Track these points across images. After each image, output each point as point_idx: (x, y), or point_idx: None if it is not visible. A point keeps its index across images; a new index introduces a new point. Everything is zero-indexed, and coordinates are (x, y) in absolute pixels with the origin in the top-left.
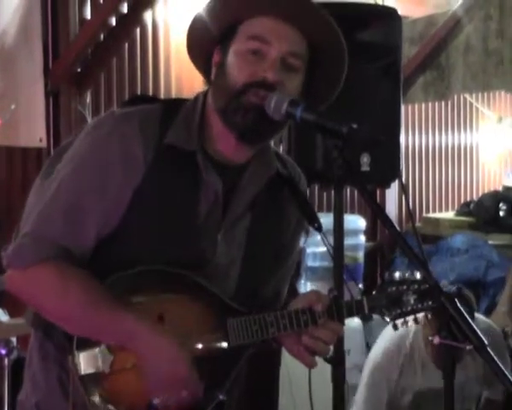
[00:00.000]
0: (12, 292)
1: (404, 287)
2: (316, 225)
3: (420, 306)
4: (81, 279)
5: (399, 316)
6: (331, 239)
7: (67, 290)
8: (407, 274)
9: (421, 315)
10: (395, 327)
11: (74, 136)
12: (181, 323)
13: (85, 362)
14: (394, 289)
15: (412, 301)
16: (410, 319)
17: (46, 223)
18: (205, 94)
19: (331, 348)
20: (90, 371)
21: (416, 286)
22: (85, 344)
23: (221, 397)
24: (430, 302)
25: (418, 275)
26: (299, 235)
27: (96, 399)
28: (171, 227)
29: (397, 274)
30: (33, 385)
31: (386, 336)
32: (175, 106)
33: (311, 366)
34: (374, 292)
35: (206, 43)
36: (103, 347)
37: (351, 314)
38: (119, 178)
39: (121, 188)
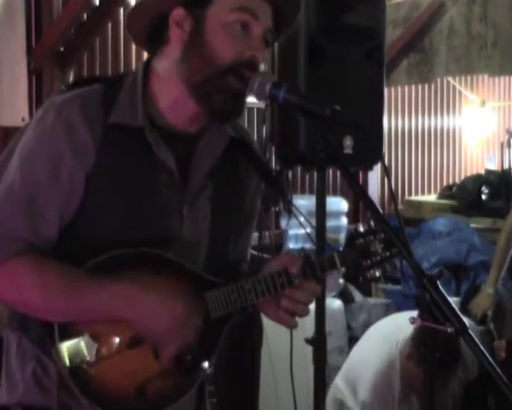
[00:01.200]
0: None
1: (371, 237)
2: (275, 188)
3: (388, 254)
4: (55, 267)
5: (370, 267)
6: (314, 222)
7: (46, 280)
8: (372, 224)
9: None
10: (369, 280)
11: (19, 134)
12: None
13: (70, 353)
14: (362, 241)
15: (380, 251)
16: (378, 271)
17: (7, 220)
18: (146, 65)
19: (309, 309)
20: (76, 361)
21: (382, 235)
22: (68, 335)
23: (208, 371)
24: (396, 249)
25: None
26: (259, 197)
27: (85, 389)
28: (131, 207)
29: (361, 226)
30: (10, 386)
31: (371, 369)
32: (116, 83)
33: (292, 326)
34: (342, 247)
35: (163, 2)
36: (86, 335)
37: (324, 271)
38: (71, 164)
39: (74, 174)
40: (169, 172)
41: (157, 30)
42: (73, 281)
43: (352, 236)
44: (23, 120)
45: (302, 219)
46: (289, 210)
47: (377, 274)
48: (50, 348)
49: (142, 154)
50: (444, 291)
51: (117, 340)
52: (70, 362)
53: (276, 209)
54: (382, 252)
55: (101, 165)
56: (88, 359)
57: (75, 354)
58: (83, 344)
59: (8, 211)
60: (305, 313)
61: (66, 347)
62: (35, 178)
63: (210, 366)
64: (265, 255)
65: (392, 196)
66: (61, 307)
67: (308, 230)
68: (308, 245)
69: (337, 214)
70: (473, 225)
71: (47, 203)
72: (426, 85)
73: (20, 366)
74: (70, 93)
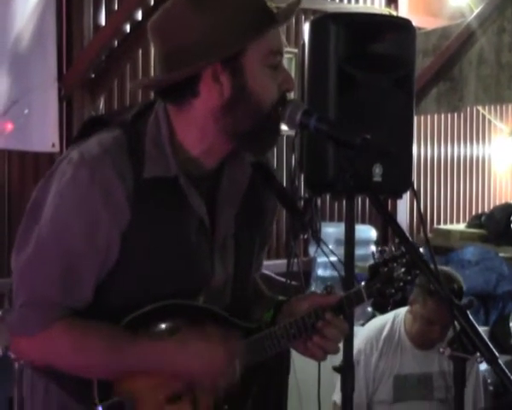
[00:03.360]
0: (24, 360)
1: (394, 264)
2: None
3: (409, 277)
4: (94, 328)
5: (395, 294)
6: (342, 250)
7: (85, 344)
8: (393, 249)
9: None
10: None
11: (43, 187)
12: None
13: None
14: (386, 269)
15: (402, 275)
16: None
17: (43, 287)
18: (164, 111)
19: (339, 347)
20: None
21: (403, 260)
22: (107, 393)
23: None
24: (417, 271)
25: (402, 247)
26: (275, 213)
27: None
28: (166, 260)
29: (384, 253)
30: None
31: (370, 324)
32: (136, 129)
33: (321, 359)
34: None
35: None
36: (126, 393)
37: (351, 306)
38: (107, 228)
39: (110, 236)
40: (200, 219)
41: (183, 82)
42: (113, 341)
43: (376, 265)
44: (53, 145)
45: (330, 247)
46: (317, 238)
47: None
48: (89, 404)
49: (174, 204)
50: (473, 321)
51: (156, 397)
52: None
53: (305, 237)
54: (404, 276)
55: (136, 221)
56: None
57: None
58: (123, 403)
59: (45, 278)
60: (336, 350)
61: (106, 406)
62: (71, 243)
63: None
64: (294, 283)
65: (423, 223)
66: (102, 368)
67: (336, 258)
68: (337, 273)
69: (366, 242)
70: (501, 255)
71: (83, 268)
72: (455, 114)
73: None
74: (94, 143)
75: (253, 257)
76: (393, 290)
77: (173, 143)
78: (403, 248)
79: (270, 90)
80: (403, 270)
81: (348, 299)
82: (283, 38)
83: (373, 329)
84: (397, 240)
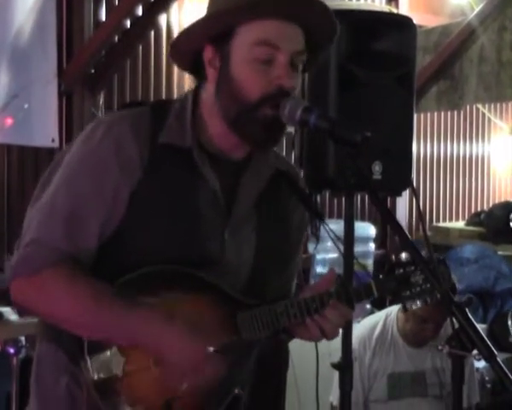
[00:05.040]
0: (19, 302)
1: (412, 268)
2: (319, 217)
3: (429, 286)
4: (90, 282)
5: (409, 298)
6: (341, 247)
7: (77, 293)
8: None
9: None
10: (404, 309)
11: (66, 148)
12: (192, 322)
13: (97, 367)
14: (402, 271)
15: (421, 282)
16: (421, 301)
17: (48, 230)
18: (194, 91)
19: (338, 331)
20: (103, 375)
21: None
22: (96, 349)
23: (237, 391)
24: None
25: (424, 254)
26: (303, 230)
27: (112, 402)
28: (173, 227)
29: (404, 255)
30: (41, 399)
31: (362, 323)
32: (164, 107)
33: (317, 340)
34: (381, 275)
35: (194, 40)
36: (114, 349)
37: (359, 298)
38: (116, 178)
39: (119, 190)
40: (213, 192)
41: (198, 65)
42: (104, 297)
43: (393, 265)
44: (53, 141)
45: (331, 242)
46: (317, 235)
47: (418, 304)
48: (80, 359)
49: (187, 174)
50: (472, 318)
51: (145, 355)
52: (97, 376)
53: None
54: (423, 283)
55: (147, 183)
56: (115, 373)
57: (103, 368)
58: (111, 358)
59: (50, 222)
60: (334, 333)
61: (94, 360)
62: (79, 191)
63: (238, 387)
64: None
65: (422, 220)
66: (88, 321)
67: (336, 254)
68: (336, 269)
69: (365, 240)
70: (500, 253)
71: (89, 216)
72: (455, 112)
73: (54, 381)
74: (119, 112)
75: (276, 260)
76: (409, 293)
77: (194, 120)
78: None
79: (253, 83)
80: (422, 277)
81: (357, 291)
82: (299, 39)
83: (365, 328)
84: (396, 238)
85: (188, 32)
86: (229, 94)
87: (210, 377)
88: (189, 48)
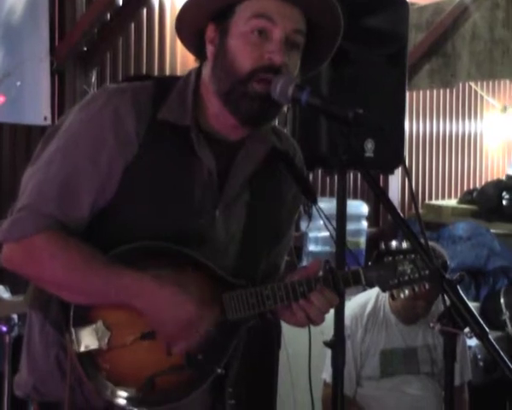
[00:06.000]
0: (8, 267)
1: (401, 256)
2: (312, 199)
3: (417, 276)
4: (80, 246)
5: (396, 286)
6: (334, 224)
7: (66, 254)
8: (404, 244)
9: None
10: (392, 297)
11: (66, 114)
12: None
13: (83, 339)
14: (391, 259)
15: (409, 271)
16: (408, 288)
17: (41, 197)
18: (198, 71)
19: (324, 317)
20: (88, 347)
21: (412, 256)
22: (82, 321)
23: (219, 371)
24: (427, 272)
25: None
26: (296, 210)
27: (95, 375)
28: (167, 202)
29: (393, 244)
30: (31, 367)
31: (354, 300)
32: (167, 83)
33: (303, 326)
34: (369, 262)
35: (197, 19)
36: (100, 323)
37: (347, 285)
38: (112, 150)
39: (114, 160)
40: (208, 173)
41: (201, 44)
42: (93, 260)
43: (381, 252)
44: (45, 119)
45: (321, 222)
46: (309, 213)
47: (406, 292)
48: (65, 331)
49: (183, 152)
50: (464, 296)
51: (130, 331)
52: (81, 348)
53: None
54: (411, 273)
55: (142, 158)
56: (99, 346)
57: (88, 341)
58: (96, 331)
59: (43, 188)
60: (319, 319)
61: (79, 332)
62: (74, 160)
63: (221, 367)
64: (285, 258)
65: (414, 199)
66: (77, 282)
67: (329, 233)
68: (328, 248)
69: (357, 218)
70: (493, 231)
71: (82, 185)
72: (447, 90)
73: (43, 349)
74: (122, 84)
75: (265, 235)
76: (396, 282)
77: (195, 99)
78: (412, 245)
79: (246, 54)
80: (411, 266)
81: (345, 278)
82: (297, 18)
83: (356, 305)
84: (389, 216)
85: (189, 10)
86: (223, 67)
87: (200, 338)
88: (192, 27)
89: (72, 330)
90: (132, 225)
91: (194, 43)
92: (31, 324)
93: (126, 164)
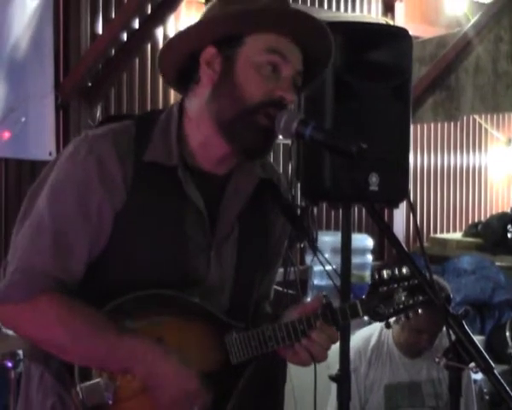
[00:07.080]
0: (8, 327)
1: (395, 285)
2: (299, 228)
3: (411, 302)
4: (80, 308)
5: (392, 315)
6: (339, 258)
7: (71, 321)
8: (396, 271)
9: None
10: (387, 325)
11: (49, 167)
12: (180, 345)
13: (89, 394)
14: (385, 288)
15: (403, 298)
16: (403, 315)
17: (34, 256)
18: (179, 105)
19: (327, 354)
20: (95, 402)
21: (405, 283)
22: (87, 375)
23: None
24: (421, 297)
25: (405, 270)
26: (285, 237)
27: None
28: (159, 248)
29: (385, 273)
30: None
31: (357, 334)
32: (149, 120)
33: (307, 364)
34: (365, 295)
35: (194, 41)
36: (105, 377)
37: (345, 319)
38: (100, 198)
39: (102, 208)
40: (198, 213)
41: (188, 69)
42: (96, 328)
43: (376, 283)
44: (50, 154)
45: (329, 254)
46: (314, 247)
47: (402, 320)
48: (70, 386)
49: (172, 194)
50: (469, 331)
51: (135, 382)
52: (89, 403)
53: (301, 245)
54: (406, 300)
55: (131, 203)
56: (106, 400)
57: (94, 396)
58: (101, 385)
59: (37, 247)
60: (322, 356)
61: (85, 387)
62: (64, 213)
63: None
64: (290, 291)
65: (418, 233)
66: (81, 352)
67: (334, 266)
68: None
69: (362, 251)
70: (498, 264)
71: (76, 238)
72: (452, 123)
73: (41, 401)
74: (102, 128)
75: (256, 268)
76: (392, 311)
77: (180, 134)
78: (405, 271)
79: (256, 86)
80: (404, 293)
81: (343, 311)
82: (300, 60)
83: (360, 339)
84: (394, 250)
85: (191, 31)
86: (229, 95)
87: (200, 406)
88: (186, 49)
89: (78, 384)
90: (126, 274)
91: (178, 66)
92: (29, 374)
93: (116, 211)
